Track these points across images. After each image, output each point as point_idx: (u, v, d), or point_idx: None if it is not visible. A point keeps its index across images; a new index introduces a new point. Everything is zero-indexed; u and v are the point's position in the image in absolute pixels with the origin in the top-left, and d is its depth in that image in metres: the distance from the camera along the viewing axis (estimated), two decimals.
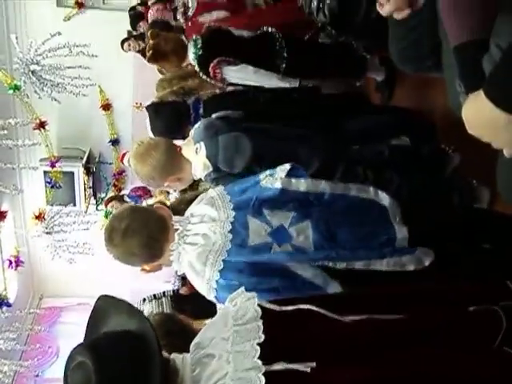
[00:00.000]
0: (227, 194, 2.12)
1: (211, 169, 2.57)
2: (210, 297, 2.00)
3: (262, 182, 2.11)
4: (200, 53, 3.52)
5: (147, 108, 3.50)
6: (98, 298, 1.62)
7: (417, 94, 3.59)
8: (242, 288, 1.59)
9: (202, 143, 2.57)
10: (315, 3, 2.84)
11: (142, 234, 2.07)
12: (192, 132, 2.72)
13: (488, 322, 1.47)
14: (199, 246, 2.01)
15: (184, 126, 3.13)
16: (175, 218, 2.16)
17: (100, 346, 1.44)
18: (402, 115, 3.29)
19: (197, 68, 3.55)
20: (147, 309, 5.42)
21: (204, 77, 3.59)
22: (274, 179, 2.10)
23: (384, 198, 2.08)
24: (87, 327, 1.61)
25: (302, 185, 2.09)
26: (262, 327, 1.38)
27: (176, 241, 2.07)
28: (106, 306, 1.60)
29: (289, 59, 3.49)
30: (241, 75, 3.51)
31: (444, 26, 1.25)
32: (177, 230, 2.10)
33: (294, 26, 3.84)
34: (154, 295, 5.80)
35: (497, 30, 1.06)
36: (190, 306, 5.06)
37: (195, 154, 2.59)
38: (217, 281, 1.94)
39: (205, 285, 1.98)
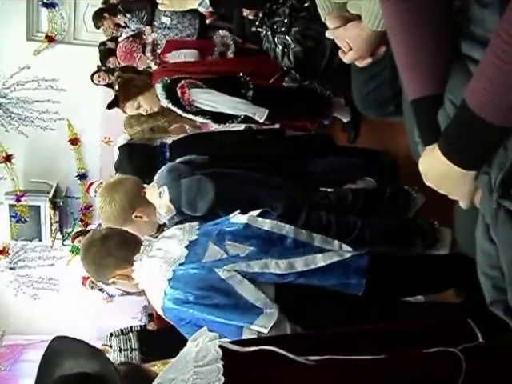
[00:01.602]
0: (197, 224, 2.26)
1: (175, 212, 2.60)
2: (159, 308, 2.08)
3: (231, 218, 2.21)
4: (167, 82, 3.56)
5: (120, 149, 3.45)
6: (53, 339, 1.55)
7: (382, 134, 3.65)
8: (205, 328, 1.59)
9: (166, 187, 2.61)
10: (280, 48, 2.89)
11: (120, 236, 2.27)
12: (156, 177, 2.75)
13: (446, 365, 1.47)
14: (158, 258, 2.11)
15: (153, 172, 3.11)
16: (146, 237, 2.36)
17: None
18: (367, 156, 3.34)
19: (163, 95, 3.55)
20: (114, 344, 5.36)
21: (170, 105, 3.57)
22: (242, 216, 2.20)
23: (347, 252, 2.13)
24: (39, 370, 1.53)
25: (266, 224, 2.18)
26: (222, 369, 1.36)
27: (140, 252, 2.18)
28: (60, 347, 1.53)
29: (256, 88, 3.55)
30: (208, 97, 3.51)
31: None
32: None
33: (256, 76, 3.84)
34: (122, 330, 5.73)
35: (450, 86, 1.09)
36: (156, 344, 5.02)
37: (159, 198, 2.62)
38: (165, 291, 2.02)
39: (156, 294, 2.07)
